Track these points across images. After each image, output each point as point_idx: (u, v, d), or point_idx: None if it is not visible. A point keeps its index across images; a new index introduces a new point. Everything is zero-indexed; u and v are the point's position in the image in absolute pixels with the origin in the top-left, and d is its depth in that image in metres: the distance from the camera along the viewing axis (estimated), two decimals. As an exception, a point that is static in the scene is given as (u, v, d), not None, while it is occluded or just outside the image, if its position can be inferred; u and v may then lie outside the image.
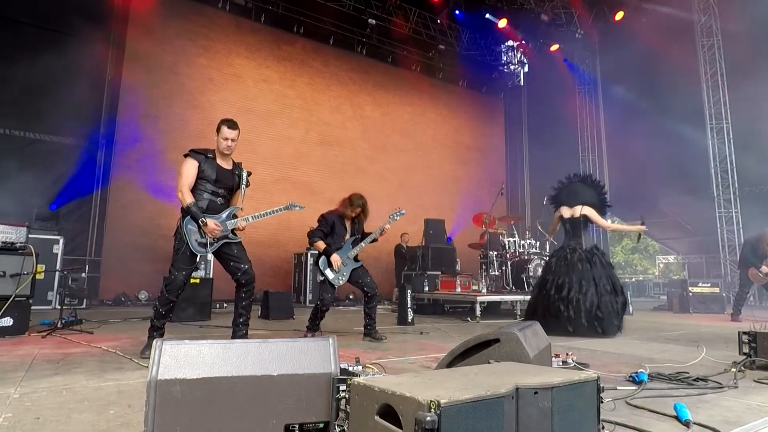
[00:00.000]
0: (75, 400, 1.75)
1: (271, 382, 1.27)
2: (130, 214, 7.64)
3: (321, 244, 3.68)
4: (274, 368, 1.29)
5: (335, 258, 3.63)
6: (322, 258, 3.67)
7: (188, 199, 2.84)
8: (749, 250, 5.80)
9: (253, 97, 9.40)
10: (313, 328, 3.74)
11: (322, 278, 3.71)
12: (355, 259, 3.75)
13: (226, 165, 3.04)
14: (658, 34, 9.85)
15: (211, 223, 2.84)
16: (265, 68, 9.60)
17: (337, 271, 3.65)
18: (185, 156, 2.95)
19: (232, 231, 2.98)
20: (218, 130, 2.99)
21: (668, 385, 2.12)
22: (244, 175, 3.07)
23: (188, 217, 2.86)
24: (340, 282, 3.68)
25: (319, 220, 3.79)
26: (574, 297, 4.04)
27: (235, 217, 3.00)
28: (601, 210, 4.48)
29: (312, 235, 3.73)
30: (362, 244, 3.75)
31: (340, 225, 3.74)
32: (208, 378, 1.22)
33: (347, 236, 3.77)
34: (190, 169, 2.89)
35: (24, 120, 6.88)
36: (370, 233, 3.80)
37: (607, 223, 4.49)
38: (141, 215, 7.68)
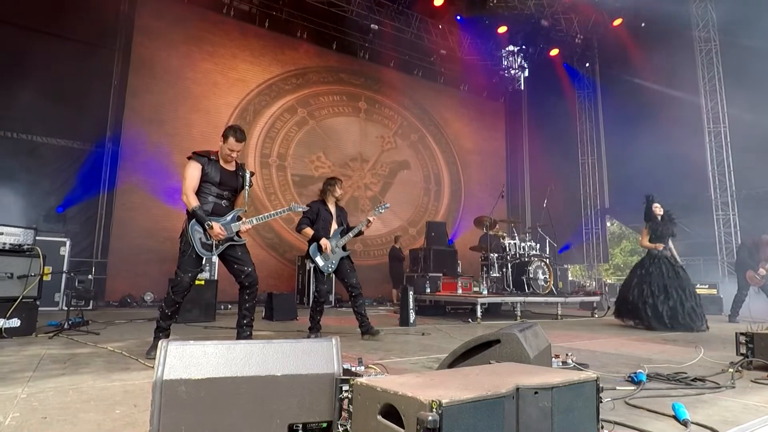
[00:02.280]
0: (81, 400, 1.76)
1: (275, 382, 1.28)
2: (136, 217, 7.70)
3: (309, 231, 3.81)
4: (278, 369, 1.29)
5: (324, 242, 3.73)
6: (313, 245, 3.78)
7: (193, 202, 2.85)
8: (746, 254, 5.91)
9: (257, 101, 9.48)
10: (315, 327, 3.79)
11: (312, 265, 3.81)
12: (344, 248, 3.87)
13: (230, 167, 3.04)
14: (657, 39, 9.90)
15: (216, 226, 2.85)
16: (268, 73, 9.68)
17: (326, 257, 3.75)
18: (188, 159, 2.94)
19: (237, 233, 3.00)
20: (225, 137, 2.95)
21: (666, 385, 2.12)
22: (247, 175, 3.06)
23: (194, 219, 2.88)
24: (330, 269, 3.77)
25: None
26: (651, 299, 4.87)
27: (239, 219, 3.01)
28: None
29: (299, 224, 3.87)
30: (350, 234, 3.86)
31: (324, 210, 3.91)
32: (213, 378, 1.23)
33: (333, 221, 3.91)
34: (193, 172, 2.88)
35: (32, 124, 6.96)
36: (354, 227, 3.92)
37: (643, 240, 5.25)
38: (147, 218, 7.74)
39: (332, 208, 3.96)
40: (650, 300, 4.81)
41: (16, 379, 2.11)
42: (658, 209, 5.24)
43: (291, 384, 1.29)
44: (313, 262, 3.76)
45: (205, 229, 2.86)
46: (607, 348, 3.41)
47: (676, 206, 9.32)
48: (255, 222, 3.07)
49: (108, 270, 7.38)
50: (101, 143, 7.65)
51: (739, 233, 8.57)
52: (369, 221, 3.89)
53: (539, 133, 12.98)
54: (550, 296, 6.59)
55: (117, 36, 8.02)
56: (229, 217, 2.98)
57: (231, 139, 2.94)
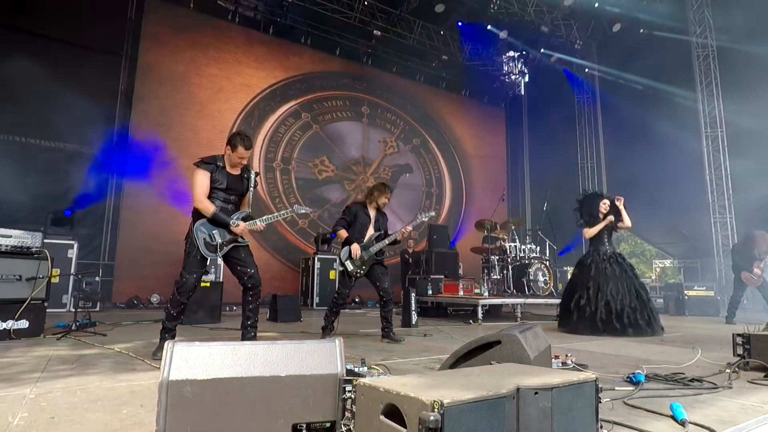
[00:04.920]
0: (89, 400, 1.78)
1: (279, 382, 1.28)
2: (142, 220, 7.75)
3: (343, 233, 3.77)
4: (282, 369, 1.30)
5: (354, 246, 3.69)
6: (345, 248, 3.73)
7: (210, 207, 2.90)
8: (739, 256, 5.94)
9: (262, 106, 9.56)
10: (329, 328, 3.78)
11: (341, 268, 3.77)
12: (377, 254, 3.78)
13: (235, 171, 3.08)
14: (655, 45, 9.95)
15: (241, 224, 2.96)
16: (273, 78, 9.77)
17: (356, 262, 3.70)
18: (195, 166, 2.98)
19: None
20: (233, 146, 2.95)
21: (665, 385, 2.13)
22: (252, 176, 3.11)
23: (199, 221, 2.93)
24: (360, 273, 3.73)
25: (343, 211, 3.91)
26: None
27: (244, 220, 3.05)
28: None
29: (335, 224, 3.85)
30: (386, 240, 3.80)
31: (363, 215, 3.84)
32: (218, 379, 1.24)
33: (371, 226, 3.84)
34: (203, 179, 2.93)
35: (40, 128, 7.01)
36: (391, 234, 3.85)
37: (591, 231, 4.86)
38: (153, 220, 7.79)
39: (372, 213, 3.88)
40: (584, 303, 4.32)
41: (24, 380, 2.14)
42: (604, 206, 4.73)
43: (295, 384, 1.30)
44: (342, 265, 3.72)
45: (213, 232, 2.92)
46: (605, 349, 3.42)
47: (674, 209, 9.37)
48: (259, 223, 3.12)
49: (115, 272, 7.43)
50: (108, 147, 7.71)
51: (736, 236, 8.59)
52: (403, 230, 3.80)
53: (539, 137, 13.00)
54: (550, 298, 6.60)
55: (124, 42, 8.11)
56: (235, 218, 3.03)
57: (240, 148, 2.95)
